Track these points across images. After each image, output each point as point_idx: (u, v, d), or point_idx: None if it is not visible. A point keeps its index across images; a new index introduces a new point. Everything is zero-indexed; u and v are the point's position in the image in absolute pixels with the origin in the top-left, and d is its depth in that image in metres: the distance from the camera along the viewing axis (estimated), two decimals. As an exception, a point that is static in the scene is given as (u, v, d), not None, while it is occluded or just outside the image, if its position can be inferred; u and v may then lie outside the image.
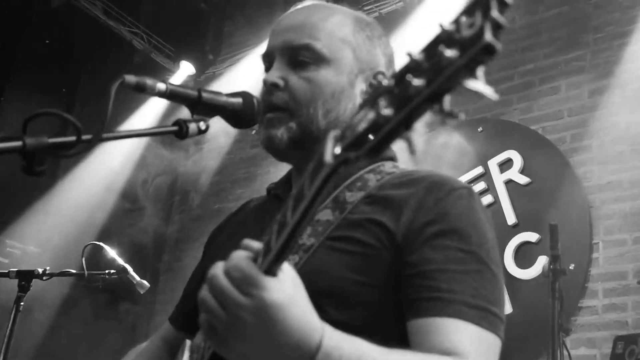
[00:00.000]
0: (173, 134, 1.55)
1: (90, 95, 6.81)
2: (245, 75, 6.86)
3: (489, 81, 0.81)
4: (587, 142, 5.10)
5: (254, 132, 1.76)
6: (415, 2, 6.11)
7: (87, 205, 6.22)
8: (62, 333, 5.73)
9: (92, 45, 7.08)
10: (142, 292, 4.09)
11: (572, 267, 4.65)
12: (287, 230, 1.09)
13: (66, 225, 5.95)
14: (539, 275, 4.79)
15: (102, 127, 1.37)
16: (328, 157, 1.00)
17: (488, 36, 0.77)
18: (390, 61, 1.81)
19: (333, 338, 1.20)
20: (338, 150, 0.98)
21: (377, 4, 6.43)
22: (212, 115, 1.60)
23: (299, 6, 1.83)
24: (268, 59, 1.77)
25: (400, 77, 0.89)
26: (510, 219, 5.18)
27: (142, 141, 6.65)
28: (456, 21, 0.82)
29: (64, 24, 6.73)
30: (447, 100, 0.85)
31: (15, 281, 3.72)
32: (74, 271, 3.98)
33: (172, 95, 1.53)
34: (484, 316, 1.42)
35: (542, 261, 4.85)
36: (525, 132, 5.38)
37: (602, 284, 4.73)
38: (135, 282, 4.03)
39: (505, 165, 5.36)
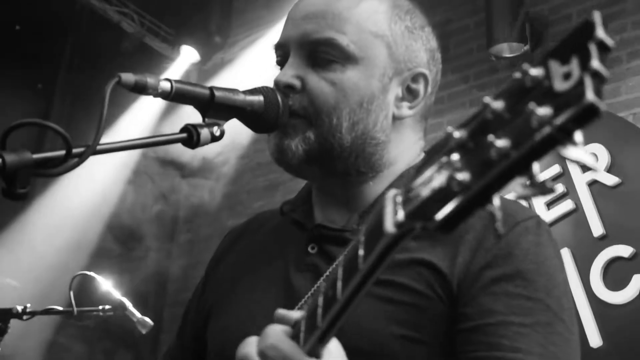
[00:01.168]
0: (181, 142, 1.57)
1: (70, 92, 6.88)
2: (261, 60, 6.85)
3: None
4: (690, 130, 5.06)
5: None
6: None
7: (72, 227, 6.27)
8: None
9: (73, 31, 7.15)
10: (144, 332, 4.12)
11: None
12: (337, 307, 1.10)
13: (48, 253, 6.01)
14: (636, 298, 4.76)
15: (96, 138, 1.40)
16: (389, 226, 0.99)
17: (590, 95, 0.76)
18: (433, 58, 1.79)
19: None
20: (401, 216, 0.97)
21: None
22: (227, 117, 1.62)
23: None
24: (282, 51, 1.76)
25: (476, 131, 0.88)
26: (597, 229, 5.14)
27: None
28: (545, 66, 0.81)
29: (37, 4, 6.77)
30: (537, 168, 0.83)
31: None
32: (60, 308, 4.03)
33: (179, 96, 1.56)
34: None
35: (638, 281, 4.82)
36: (612, 121, 5.34)
37: None
38: (135, 320, 4.07)
39: (588, 162, 5.32)
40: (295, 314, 1.19)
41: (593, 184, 5.26)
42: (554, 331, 1.48)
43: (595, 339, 4.87)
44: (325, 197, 1.79)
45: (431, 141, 1.77)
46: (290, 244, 1.77)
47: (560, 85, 0.78)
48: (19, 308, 3.80)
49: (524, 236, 1.56)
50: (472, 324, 1.49)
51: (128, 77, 1.47)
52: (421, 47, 1.76)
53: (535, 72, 0.82)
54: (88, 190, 6.41)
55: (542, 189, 0.83)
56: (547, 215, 5.27)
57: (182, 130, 1.57)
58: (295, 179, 1.91)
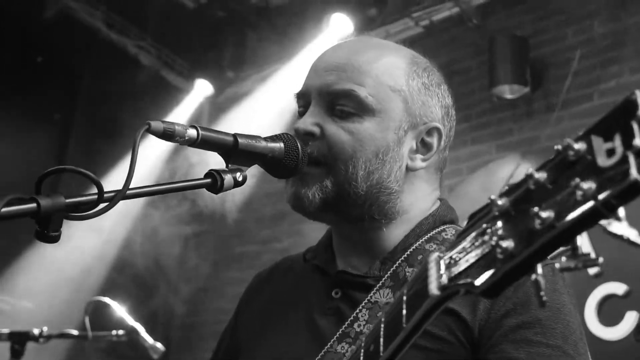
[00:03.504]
0: (205, 187, 1.58)
1: (87, 124, 6.87)
2: (272, 94, 6.87)
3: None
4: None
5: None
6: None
7: (86, 255, 6.26)
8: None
9: (91, 62, 7.16)
10: (155, 357, 4.11)
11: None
12: None
13: (63, 278, 6.00)
14: (629, 335, 4.74)
15: (126, 184, 1.41)
16: (434, 289, 1.00)
17: (635, 173, 0.76)
18: (448, 114, 1.81)
19: None
20: (445, 280, 0.98)
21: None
22: (250, 163, 1.63)
23: (346, 40, 1.83)
24: (303, 100, 1.78)
25: (520, 200, 0.88)
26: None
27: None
28: (588, 141, 0.82)
29: (58, 37, 6.78)
30: (580, 240, 0.84)
31: (7, 344, 3.74)
32: (75, 332, 4.01)
33: (205, 143, 1.57)
34: None
35: (631, 318, 4.81)
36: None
37: None
38: (147, 346, 4.06)
39: (585, 201, 5.31)
40: None
41: (588, 221, 5.24)
42: None
43: (590, 374, 4.85)
44: (345, 242, 1.80)
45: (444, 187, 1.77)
46: (313, 290, 1.78)
47: (603, 161, 0.79)
48: (36, 331, 3.78)
49: None
50: None
51: (157, 124, 1.48)
52: (437, 104, 1.77)
53: (578, 146, 0.82)
54: (104, 219, 6.40)
55: (584, 260, 0.84)
56: (545, 252, 5.27)
57: (207, 175, 1.57)
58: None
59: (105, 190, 1.37)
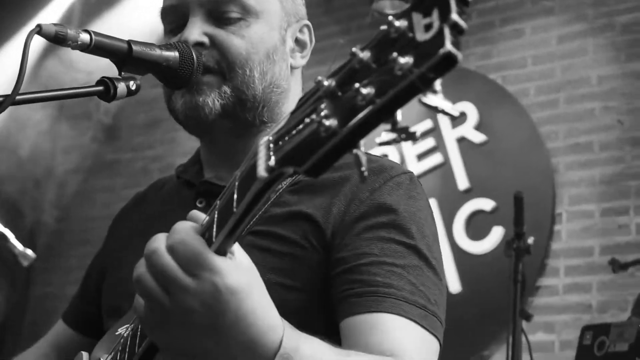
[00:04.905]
0: (97, 95, 1.53)
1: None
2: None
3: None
4: (554, 96, 5.23)
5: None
6: None
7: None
8: None
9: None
10: (25, 264, 4.01)
11: (530, 240, 4.78)
12: (212, 249, 1.11)
13: None
14: (495, 249, 4.94)
15: (16, 88, 1.35)
16: (262, 171, 1.00)
17: (449, 45, 0.78)
18: (305, 13, 1.88)
19: (292, 337, 1.22)
20: (273, 162, 0.99)
21: None
22: (143, 72, 1.60)
23: None
24: (173, 16, 1.76)
25: (344, 79, 0.90)
26: (462, 182, 5.30)
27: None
28: (408, 18, 0.83)
29: None
30: (399, 114, 0.87)
31: None
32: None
33: (98, 49, 1.52)
34: (424, 315, 1.50)
35: (497, 233, 5.01)
36: (482, 82, 5.47)
37: (564, 261, 4.91)
38: (17, 252, 3.95)
39: (458, 120, 5.45)
40: (203, 216, 1.17)
41: (461, 140, 5.40)
42: (423, 274, 1.54)
43: (455, 285, 5.04)
44: (213, 155, 1.82)
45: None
46: (180, 202, 1.80)
47: (421, 36, 0.81)
48: None
49: (397, 189, 1.62)
50: (347, 266, 1.54)
51: (49, 27, 1.42)
52: (301, 1, 1.87)
53: (399, 23, 0.84)
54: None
55: (405, 134, 0.87)
56: (417, 167, 5.39)
57: (99, 83, 1.53)
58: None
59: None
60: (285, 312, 1.24)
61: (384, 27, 0.86)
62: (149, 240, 1.15)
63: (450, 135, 5.44)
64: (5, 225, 4.04)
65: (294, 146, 0.95)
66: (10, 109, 1.37)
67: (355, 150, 0.90)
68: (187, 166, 1.89)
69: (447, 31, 0.78)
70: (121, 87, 1.54)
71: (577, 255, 4.87)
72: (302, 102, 0.98)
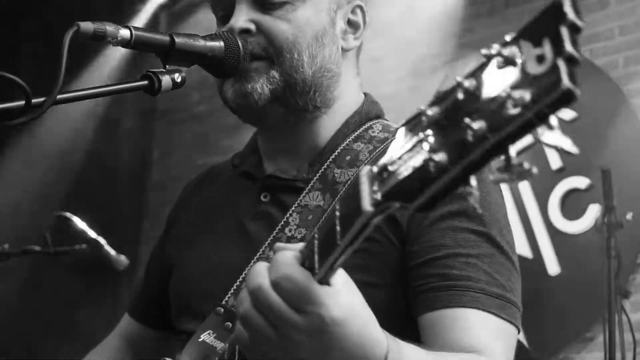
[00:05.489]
0: (142, 89, 1.54)
1: (35, 37, 6.69)
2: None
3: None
4: (645, 66, 5.05)
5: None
6: None
7: (44, 171, 6.19)
8: (28, 323, 5.77)
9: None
10: (120, 269, 4.10)
11: (629, 216, 4.62)
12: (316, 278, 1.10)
13: (21, 195, 5.94)
14: (592, 228, 4.79)
15: (56, 87, 1.36)
16: (367, 205, 0.97)
17: (566, 82, 0.74)
18: None
19: (395, 347, 1.23)
20: (379, 196, 0.96)
21: None
22: (188, 64, 1.61)
23: None
24: (222, 4, 1.76)
25: (450, 110, 0.86)
26: (555, 162, 5.16)
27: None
28: (518, 47, 0.79)
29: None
30: (514, 151, 0.81)
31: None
32: (37, 248, 3.98)
33: (139, 44, 1.52)
34: (501, 305, 1.50)
35: (593, 211, 4.86)
36: (570, 57, 5.33)
37: (667, 236, 4.72)
38: (111, 258, 4.04)
39: (547, 98, 5.31)
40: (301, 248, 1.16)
41: (551, 119, 5.26)
42: (497, 261, 1.54)
43: (553, 267, 4.93)
44: (272, 145, 1.82)
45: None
46: (242, 195, 1.80)
47: (534, 68, 0.77)
48: (-4, 250, 3.75)
49: None
50: (421, 259, 1.54)
51: (87, 25, 1.43)
52: None
53: (508, 52, 0.80)
54: (61, 134, 6.32)
55: (518, 172, 0.82)
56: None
57: (143, 77, 1.55)
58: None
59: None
60: (373, 311, 1.23)
61: (486, 51, 0.82)
62: (251, 272, 1.16)
63: (539, 114, 5.31)
64: (99, 234, 4.15)
65: (401, 180, 0.92)
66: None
67: (467, 188, 0.87)
68: (244, 156, 1.88)
69: (562, 65, 0.74)
70: (166, 80, 1.54)
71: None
72: (403, 131, 0.95)
